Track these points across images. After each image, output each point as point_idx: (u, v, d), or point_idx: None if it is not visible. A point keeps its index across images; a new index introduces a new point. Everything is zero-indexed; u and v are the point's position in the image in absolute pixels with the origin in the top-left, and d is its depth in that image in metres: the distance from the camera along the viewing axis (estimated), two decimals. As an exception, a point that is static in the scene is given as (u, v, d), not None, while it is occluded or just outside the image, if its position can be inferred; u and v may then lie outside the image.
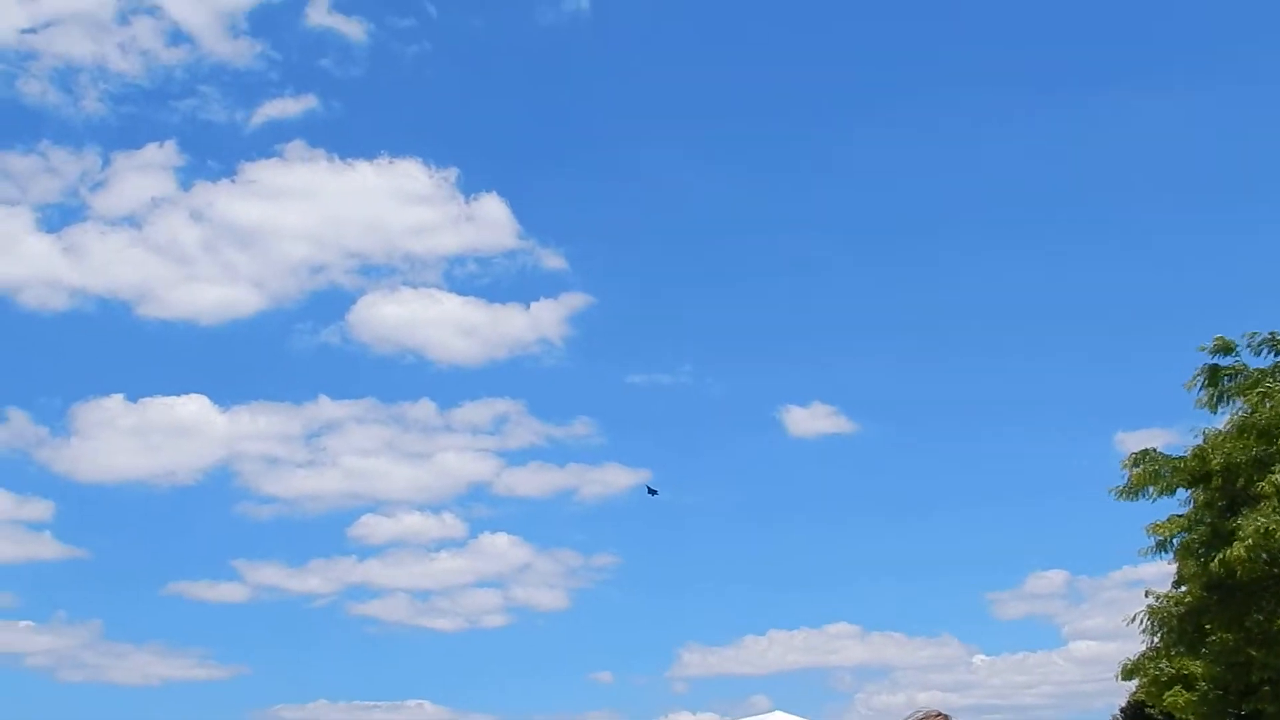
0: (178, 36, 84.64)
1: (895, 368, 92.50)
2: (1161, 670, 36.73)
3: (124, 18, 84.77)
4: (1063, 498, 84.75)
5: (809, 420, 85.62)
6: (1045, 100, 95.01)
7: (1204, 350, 27.97)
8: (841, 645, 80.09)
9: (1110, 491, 28.82)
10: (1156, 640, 33.84)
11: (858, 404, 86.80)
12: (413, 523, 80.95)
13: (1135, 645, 37.03)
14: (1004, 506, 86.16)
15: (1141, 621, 31.61)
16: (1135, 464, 28.56)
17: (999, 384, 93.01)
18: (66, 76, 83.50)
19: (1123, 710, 49.79)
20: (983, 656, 79.89)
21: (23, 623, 76.13)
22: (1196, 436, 28.45)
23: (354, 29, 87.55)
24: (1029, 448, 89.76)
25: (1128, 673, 38.24)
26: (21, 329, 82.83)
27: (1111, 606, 75.70)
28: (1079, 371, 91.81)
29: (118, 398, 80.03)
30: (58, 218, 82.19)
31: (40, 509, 77.58)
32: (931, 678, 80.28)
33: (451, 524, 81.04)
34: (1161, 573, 37.29)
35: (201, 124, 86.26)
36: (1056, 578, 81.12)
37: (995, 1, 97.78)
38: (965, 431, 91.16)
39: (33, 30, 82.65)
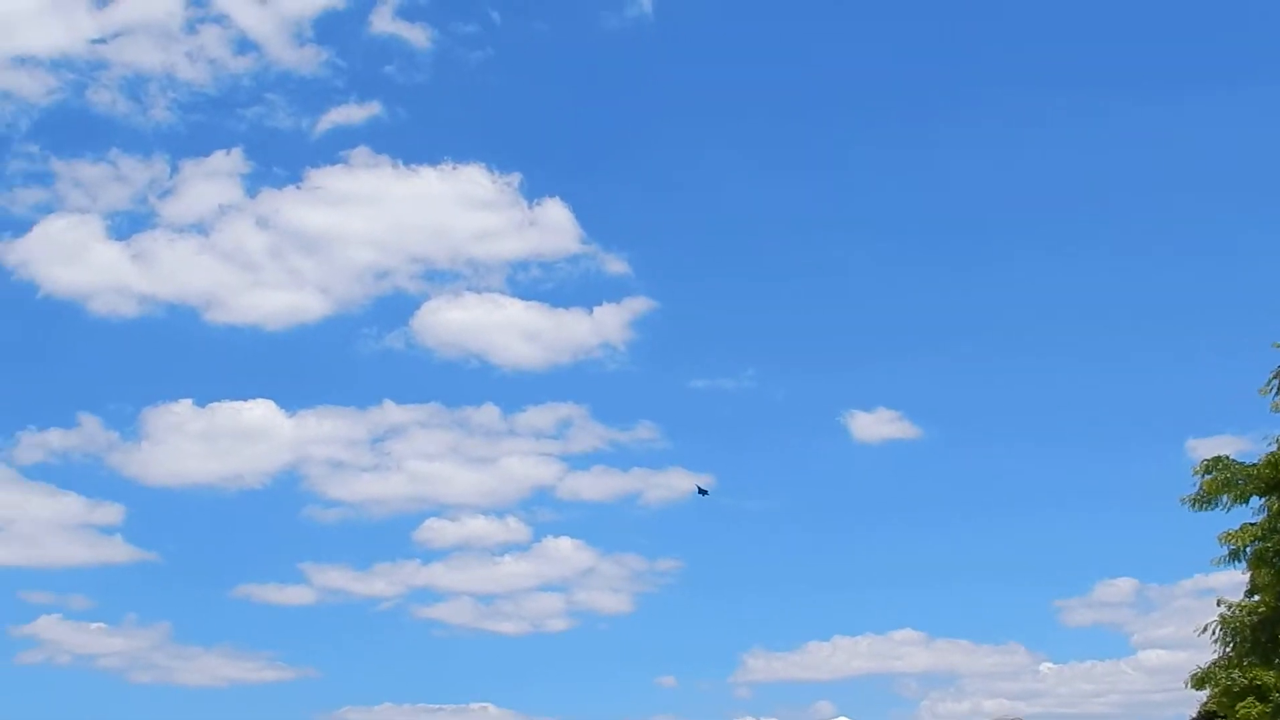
0: (245, 45, 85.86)
1: (960, 372, 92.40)
2: (1234, 680, 36.04)
3: (192, 27, 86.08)
4: (1132, 505, 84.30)
5: (873, 425, 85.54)
6: (1107, 100, 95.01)
7: (1279, 348, 27.38)
8: (907, 651, 79.96)
9: (1182, 500, 28.34)
10: (1229, 650, 33.31)
11: (922, 409, 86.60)
12: (477, 526, 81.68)
13: (1207, 655, 36.45)
14: (1072, 513, 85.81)
15: (1213, 631, 31.12)
16: (1207, 471, 28.07)
17: (1067, 389, 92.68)
18: (135, 85, 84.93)
19: (1193, 720, 49.05)
20: (1050, 664, 79.44)
21: (94, 625, 77.55)
22: (1270, 444, 27.87)
23: (418, 35, 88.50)
24: (1098, 454, 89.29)
25: (1198, 682, 37.56)
26: (92, 335, 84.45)
27: (1182, 615, 75.10)
28: (1149, 377, 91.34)
29: (186, 403, 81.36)
30: (127, 225, 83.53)
31: (111, 513, 79.03)
32: (998, 685, 79.95)
33: (515, 528, 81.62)
34: (1234, 581, 36.64)
35: (268, 131, 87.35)
36: (1125, 586, 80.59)
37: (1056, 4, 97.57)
38: (1032, 437, 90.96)
39: (102, 40, 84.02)
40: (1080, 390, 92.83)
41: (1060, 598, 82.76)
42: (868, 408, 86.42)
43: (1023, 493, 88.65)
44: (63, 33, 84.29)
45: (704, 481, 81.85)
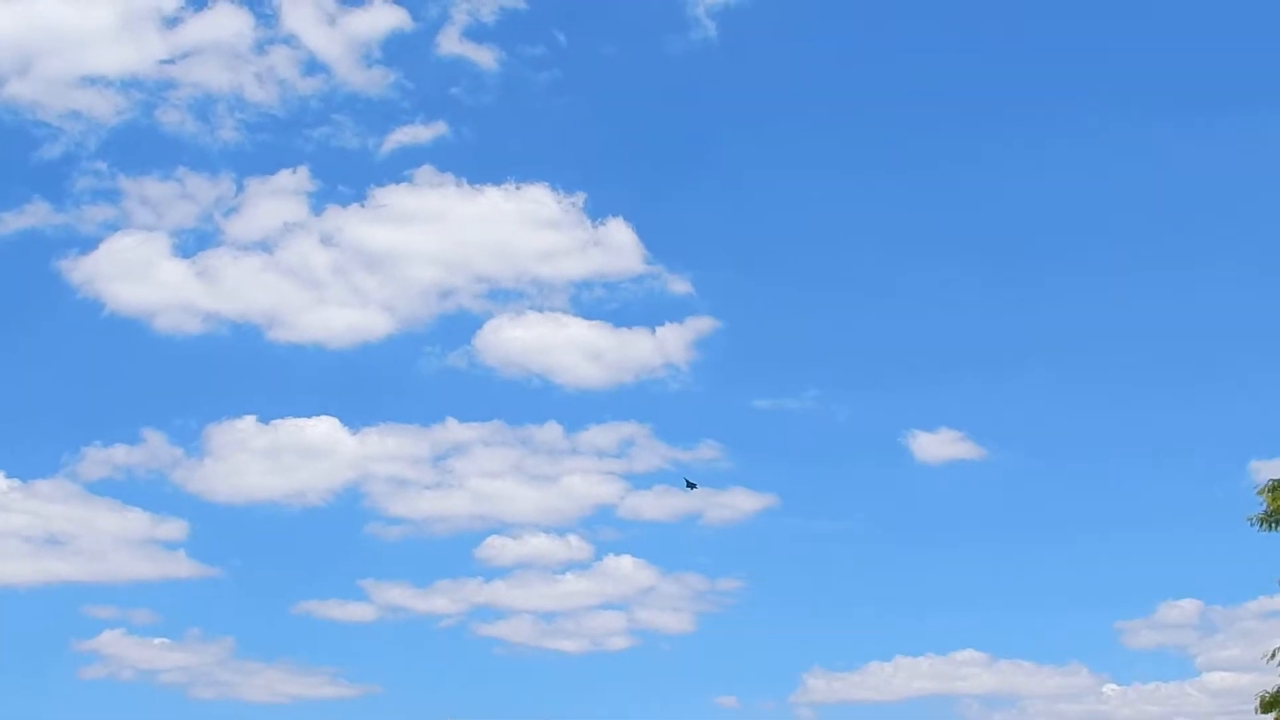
0: (313, 66, 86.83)
1: (1022, 393, 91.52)
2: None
3: (261, 48, 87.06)
4: (1195, 525, 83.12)
5: (936, 446, 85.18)
6: (1173, 119, 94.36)
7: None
8: (969, 673, 79.37)
9: (1249, 520, 28.21)
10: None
11: (985, 429, 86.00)
12: (538, 544, 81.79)
13: (1272, 677, 36.04)
14: (1135, 534, 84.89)
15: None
16: (1274, 491, 27.91)
17: (1130, 409, 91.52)
18: (204, 106, 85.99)
19: (1262, 744, 48.37)
20: (1113, 686, 78.57)
21: (157, 640, 78.11)
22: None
23: (485, 56, 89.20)
24: (1160, 474, 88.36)
25: (1267, 705, 37.20)
26: (157, 352, 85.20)
27: (1247, 637, 74.24)
28: (1212, 398, 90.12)
29: (250, 419, 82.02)
30: (193, 243, 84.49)
31: (175, 528, 79.76)
32: (1061, 707, 79.01)
33: (577, 546, 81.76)
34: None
35: (334, 150, 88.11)
36: (1189, 607, 79.69)
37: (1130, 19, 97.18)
38: (1095, 457, 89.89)
39: (171, 61, 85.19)
40: (1142, 411, 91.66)
41: (1123, 619, 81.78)
42: (930, 428, 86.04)
43: (1085, 513, 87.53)
44: (132, 53, 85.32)
45: (772, 503, 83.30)
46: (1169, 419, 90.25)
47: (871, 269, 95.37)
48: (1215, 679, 77.17)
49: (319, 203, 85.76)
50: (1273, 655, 31.00)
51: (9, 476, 78.85)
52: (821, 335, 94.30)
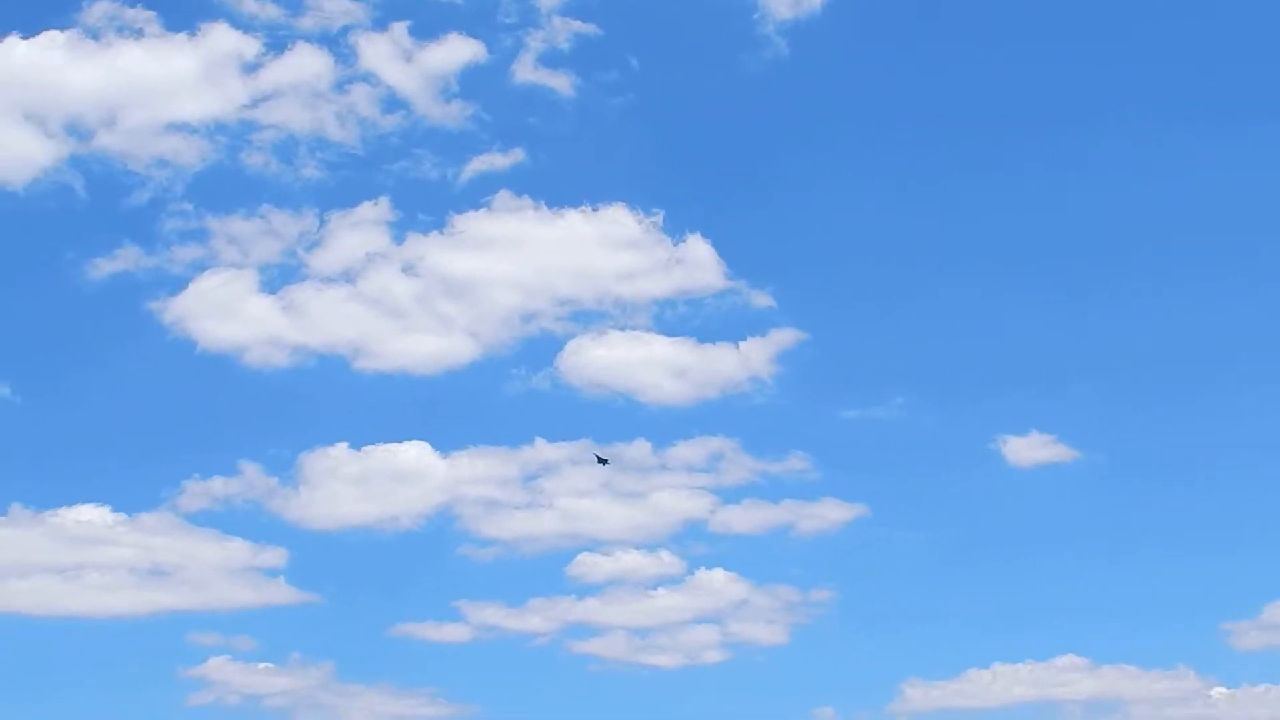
0: (393, 103, 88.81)
1: (1114, 394, 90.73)
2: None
3: (341, 87, 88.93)
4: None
5: (1027, 450, 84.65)
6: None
7: None
8: (1070, 678, 78.44)
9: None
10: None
11: (1078, 432, 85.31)
12: (630, 561, 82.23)
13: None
14: (1237, 534, 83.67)
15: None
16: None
17: (1224, 408, 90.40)
18: (287, 147, 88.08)
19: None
20: (1222, 689, 77.28)
21: (261, 665, 79.51)
22: None
23: (560, 83, 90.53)
24: (1262, 472, 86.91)
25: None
26: (248, 386, 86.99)
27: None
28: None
29: (342, 447, 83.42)
30: (278, 278, 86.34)
31: (274, 556, 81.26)
32: (1167, 712, 77.86)
33: (669, 561, 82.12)
34: None
35: (413, 181, 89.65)
36: (1297, 607, 78.26)
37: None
38: (1190, 456, 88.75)
39: (253, 105, 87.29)
40: (1240, 410, 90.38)
41: (1228, 620, 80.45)
42: (1021, 432, 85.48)
43: (1183, 514, 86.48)
44: (215, 100, 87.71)
45: (863, 513, 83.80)
46: (1267, 418, 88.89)
47: (952, 276, 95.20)
48: (1326, 679, 75.76)
49: (400, 232, 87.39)
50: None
51: (114, 511, 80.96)
52: (905, 343, 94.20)
